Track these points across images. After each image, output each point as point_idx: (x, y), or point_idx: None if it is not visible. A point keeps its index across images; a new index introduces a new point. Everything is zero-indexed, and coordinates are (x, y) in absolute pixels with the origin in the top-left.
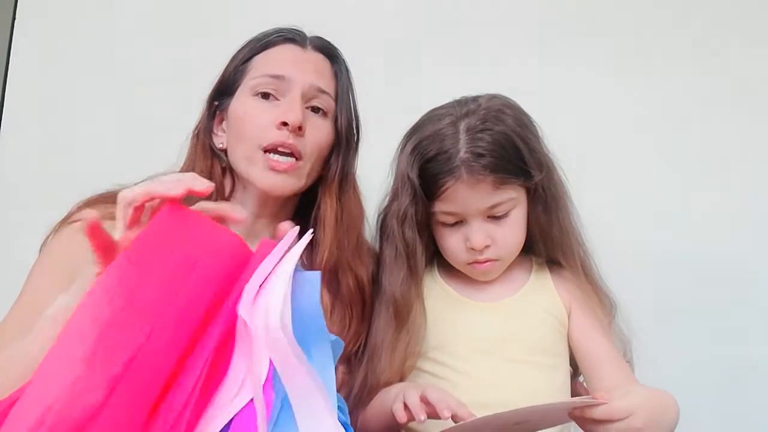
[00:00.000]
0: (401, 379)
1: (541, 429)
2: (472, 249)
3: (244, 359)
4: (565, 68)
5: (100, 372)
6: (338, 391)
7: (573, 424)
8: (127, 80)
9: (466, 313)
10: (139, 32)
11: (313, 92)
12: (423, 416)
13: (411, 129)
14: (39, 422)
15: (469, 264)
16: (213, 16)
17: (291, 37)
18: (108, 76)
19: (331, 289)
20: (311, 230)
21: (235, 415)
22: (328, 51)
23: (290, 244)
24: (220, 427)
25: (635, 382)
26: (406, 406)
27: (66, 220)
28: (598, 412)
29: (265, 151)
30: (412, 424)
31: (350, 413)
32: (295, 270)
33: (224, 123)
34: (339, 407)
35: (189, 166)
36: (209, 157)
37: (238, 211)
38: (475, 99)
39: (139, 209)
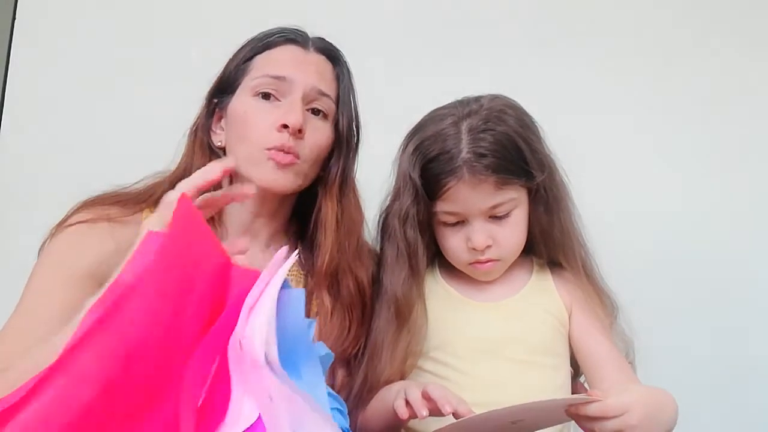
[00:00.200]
0: (401, 379)
1: (540, 429)
2: (474, 249)
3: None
4: (565, 68)
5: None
6: (338, 393)
7: (573, 424)
8: (127, 80)
9: (467, 313)
10: (139, 32)
11: (314, 94)
12: (425, 412)
13: (413, 129)
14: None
15: (470, 264)
16: (213, 16)
17: (293, 37)
18: (108, 76)
19: (332, 292)
20: (296, 251)
21: None
22: (330, 53)
23: (278, 266)
24: None
25: (637, 382)
26: (407, 403)
27: (63, 223)
28: (592, 409)
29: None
30: (412, 422)
31: (350, 413)
32: (282, 287)
33: (223, 121)
34: (338, 409)
35: (186, 163)
36: (207, 154)
37: (247, 187)
38: (477, 99)
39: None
